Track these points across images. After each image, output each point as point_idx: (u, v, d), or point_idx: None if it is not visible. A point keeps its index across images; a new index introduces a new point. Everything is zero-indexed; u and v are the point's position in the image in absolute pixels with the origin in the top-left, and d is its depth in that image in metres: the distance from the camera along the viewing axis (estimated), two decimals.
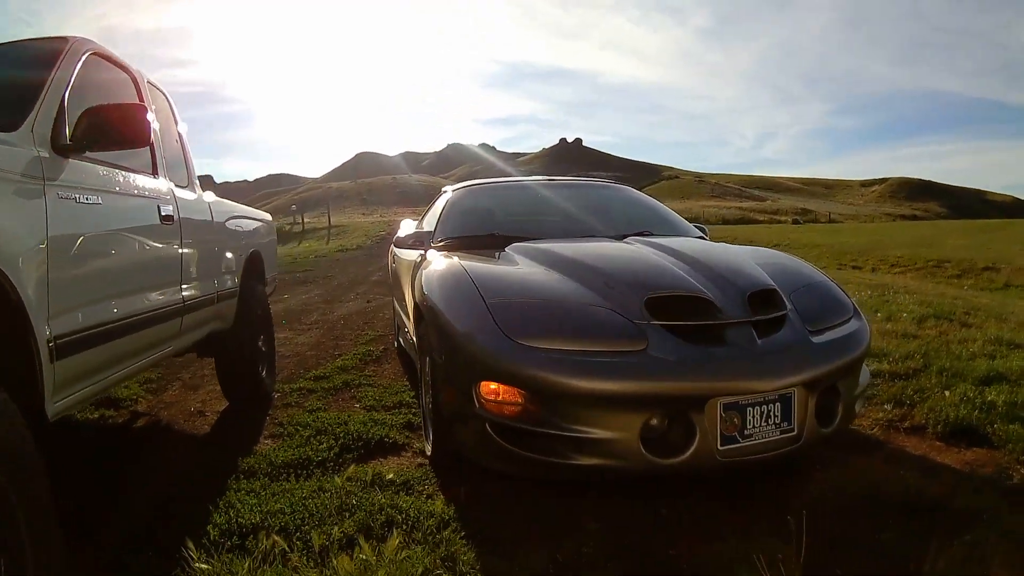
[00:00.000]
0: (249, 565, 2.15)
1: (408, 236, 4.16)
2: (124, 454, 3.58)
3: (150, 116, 2.42)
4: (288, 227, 32.61)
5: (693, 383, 2.41)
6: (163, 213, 2.99)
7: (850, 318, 2.98)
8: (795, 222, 40.51)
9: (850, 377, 2.79)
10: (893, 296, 7.41)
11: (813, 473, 2.89)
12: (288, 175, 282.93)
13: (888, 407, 3.65)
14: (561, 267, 3.03)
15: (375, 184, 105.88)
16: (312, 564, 2.19)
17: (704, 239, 4.08)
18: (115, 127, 2.32)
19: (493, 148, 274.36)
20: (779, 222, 40.56)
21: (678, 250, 3.20)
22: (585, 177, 5.45)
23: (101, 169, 2.52)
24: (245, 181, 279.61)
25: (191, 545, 2.20)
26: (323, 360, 5.63)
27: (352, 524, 2.50)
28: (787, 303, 2.82)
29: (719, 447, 2.41)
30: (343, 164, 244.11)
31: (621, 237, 3.70)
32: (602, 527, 2.48)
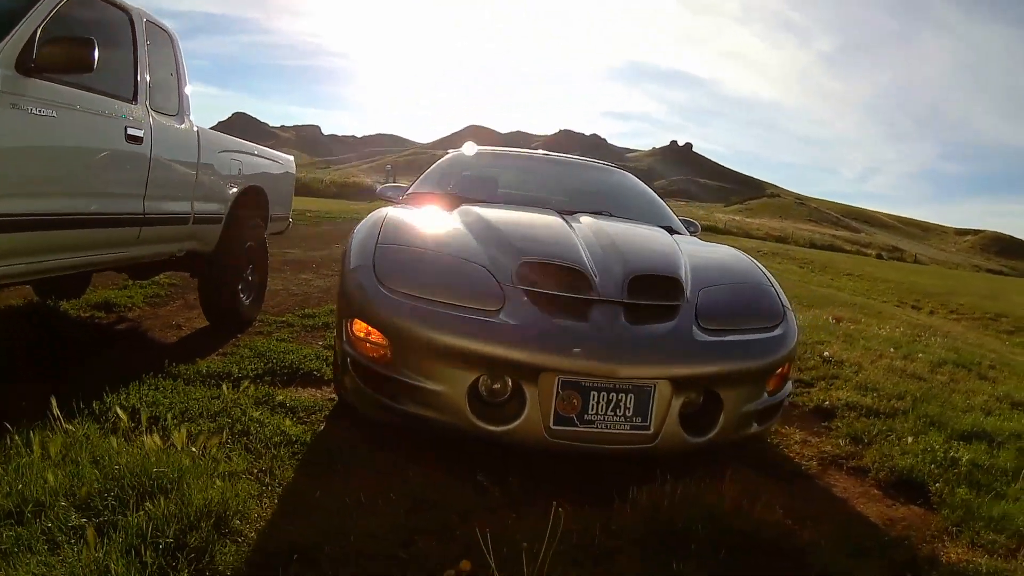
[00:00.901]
0: (98, 428, 2.49)
1: (386, 188, 4.36)
2: (89, 344, 4.05)
3: (95, 51, 2.79)
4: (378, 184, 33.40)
5: (529, 352, 2.30)
6: (129, 133, 3.38)
7: (774, 326, 2.74)
8: (879, 256, 38.86)
9: (741, 387, 2.54)
10: (927, 337, 7.11)
11: (683, 484, 2.49)
12: (396, 136, 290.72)
13: (843, 442, 3.48)
14: (477, 227, 3.00)
15: None
16: (142, 434, 2.42)
17: (678, 234, 3.90)
18: (64, 56, 2.76)
19: (604, 141, 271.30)
20: (864, 254, 38.82)
21: (604, 230, 3.09)
22: (595, 160, 5.40)
23: (63, 89, 2.92)
24: (353, 136, 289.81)
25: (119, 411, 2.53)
26: (324, 302, 5.94)
27: (209, 423, 2.78)
28: (687, 296, 2.66)
29: (551, 425, 2.31)
30: (453, 134, 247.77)
31: (571, 212, 3.55)
32: (425, 482, 2.45)
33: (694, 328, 2.53)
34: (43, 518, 1.88)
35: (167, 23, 3.90)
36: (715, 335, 2.54)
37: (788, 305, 2.97)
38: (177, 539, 1.85)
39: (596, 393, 2.30)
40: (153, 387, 3.17)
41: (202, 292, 4.53)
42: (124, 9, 3.50)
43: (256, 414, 2.95)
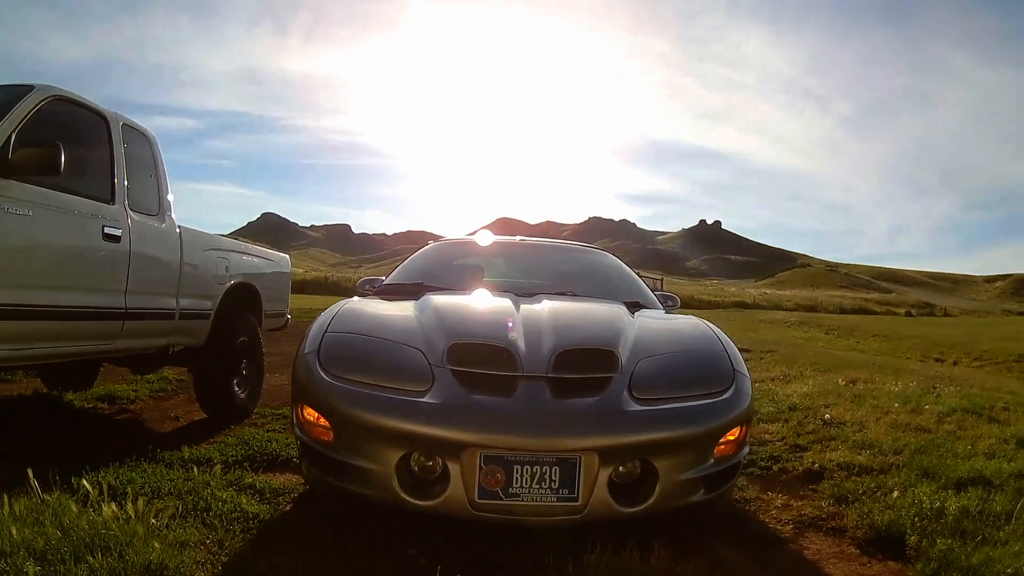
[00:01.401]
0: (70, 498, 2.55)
1: (364, 282, 4.49)
2: (86, 431, 4.23)
3: (62, 155, 3.04)
4: None
5: (450, 429, 2.35)
6: (107, 232, 3.59)
7: (721, 391, 2.69)
8: (908, 314, 38.48)
9: (680, 454, 2.51)
10: (941, 388, 6.89)
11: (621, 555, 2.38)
12: (427, 232, 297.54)
13: (825, 503, 3.33)
14: (425, 314, 3.07)
15: None
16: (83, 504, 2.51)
17: (646, 308, 3.88)
18: (34, 159, 3.03)
19: (634, 225, 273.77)
20: (894, 314, 38.20)
21: (551, 310, 3.13)
22: (574, 243, 5.47)
23: (38, 190, 3.15)
24: (384, 234, 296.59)
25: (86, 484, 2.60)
26: None
27: (175, 500, 2.85)
28: (622, 367, 2.64)
29: (476, 498, 2.33)
30: (482, 227, 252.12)
31: (532, 295, 3.56)
32: (361, 557, 2.46)
33: (624, 398, 2.51)
34: (3, 563, 2.05)
35: (145, 127, 4.18)
36: (649, 404, 2.52)
37: (742, 370, 2.91)
38: None
39: (520, 467, 2.32)
40: (131, 468, 3.25)
41: (196, 385, 4.66)
42: (100, 114, 3.76)
43: (223, 494, 2.99)
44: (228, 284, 4.77)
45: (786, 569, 2.65)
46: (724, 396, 2.67)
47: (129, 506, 2.43)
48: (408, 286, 3.96)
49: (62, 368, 4.97)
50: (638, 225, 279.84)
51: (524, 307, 3.14)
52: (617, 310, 3.38)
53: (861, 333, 18.34)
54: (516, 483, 2.31)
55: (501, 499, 2.32)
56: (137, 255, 3.80)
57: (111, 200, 3.71)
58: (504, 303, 3.24)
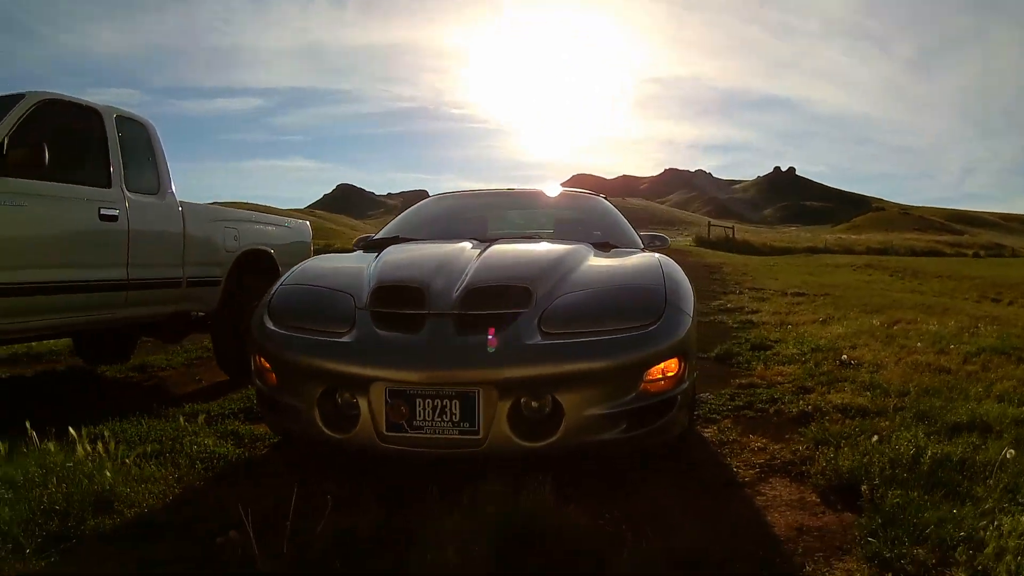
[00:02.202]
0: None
1: (359, 239, 4.57)
2: (108, 394, 4.55)
3: (45, 153, 3.39)
4: None
5: (358, 366, 2.46)
6: (103, 213, 3.89)
7: (643, 325, 2.58)
8: (976, 255, 36.42)
9: (588, 389, 2.45)
10: (981, 328, 6.54)
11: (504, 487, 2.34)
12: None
13: (803, 447, 3.17)
14: (375, 262, 3.18)
15: None
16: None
17: (618, 248, 3.81)
18: (23, 158, 3.38)
19: (709, 175, 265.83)
20: (963, 255, 36.02)
21: (493, 251, 3.19)
22: (567, 189, 5.36)
23: (32, 183, 3.48)
24: None
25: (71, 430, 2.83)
26: None
27: (155, 445, 3.10)
28: (535, 303, 2.64)
29: (384, 431, 2.42)
30: (561, 184, 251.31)
31: (493, 240, 3.61)
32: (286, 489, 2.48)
33: (528, 332, 2.50)
34: None
35: (141, 116, 4.45)
36: (556, 338, 2.49)
37: (680, 305, 2.80)
38: (65, 508, 2.33)
39: (422, 400, 2.37)
40: (129, 421, 3.49)
41: (215, 347, 4.97)
42: (93, 109, 4.06)
43: (201, 439, 3.21)
44: (238, 252, 5.00)
45: (724, 516, 2.53)
46: (647, 330, 2.57)
47: (99, 446, 2.73)
48: (388, 240, 4.05)
49: (97, 343, 5.36)
50: (713, 175, 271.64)
51: (469, 252, 3.17)
52: (570, 249, 3.32)
53: (924, 274, 17.39)
54: (419, 417, 2.37)
55: (406, 432, 2.39)
56: (136, 231, 4.08)
57: (108, 184, 4.00)
58: (449, 249, 3.26)
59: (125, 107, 4.16)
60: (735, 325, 7.36)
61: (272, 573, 1.92)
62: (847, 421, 3.48)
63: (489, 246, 3.34)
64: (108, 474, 2.51)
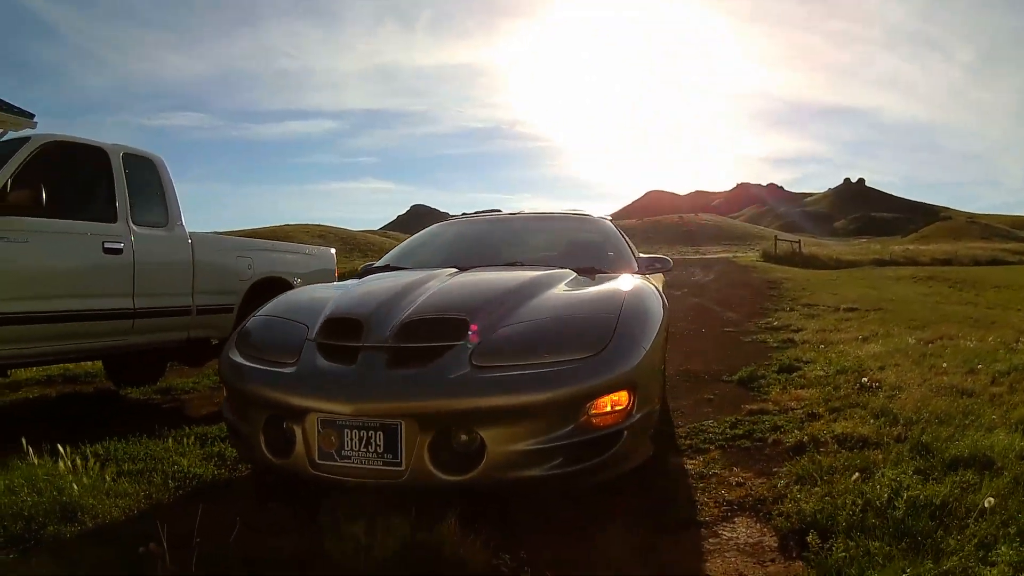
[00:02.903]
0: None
1: (365, 266, 4.59)
2: (131, 412, 4.73)
3: (42, 194, 3.59)
4: None
5: (293, 396, 2.52)
6: (107, 246, 4.06)
7: (584, 358, 2.47)
8: None
9: (515, 423, 2.36)
10: (1020, 344, 6.10)
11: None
12: (580, 211, 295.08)
13: (782, 483, 2.94)
14: (341, 292, 3.24)
15: (661, 223, 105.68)
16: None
17: (603, 274, 3.67)
18: (26, 199, 3.58)
19: (781, 188, 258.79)
20: None
21: (453, 282, 3.17)
22: (569, 212, 5.20)
23: (35, 220, 3.68)
24: None
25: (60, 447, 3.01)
26: None
27: (140, 464, 3.27)
28: (471, 335, 2.58)
29: (317, 459, 2.44)
30: (633, 202, 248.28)
31: (465, 269, 3.58)
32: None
33: (456, 366, 2.45)
34: None
35: (150, 152, 4.63)
36: (486, 371, 2.42)
37: (632, 336, 2.67)
38: (31, 515, 2.54)
39: (349, 431, 2.39)
40: (127, 441, 3.61)
41: None
42: (99, 148, 4.25)
43: (181, 460, 3.32)
44: (252, 280, 5.12)
45: (659, 561, 2.37)
46: (586, 362, 2.46)
47: (78, 462, 2.94)
48: (379, 268, 4.10)
49: (126, 366, 5.54)
50: (784, 188, 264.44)
51: (431, 282, 3.15)
52: (535, 278, 3.22)
53: (982, 285, 16.29)
54: (347, 447, 2.39)
55: (336, 461, 2.41)
56: (142, 263, 4.23)
57: (113, 219, 4.17)
58: (414, 279, 3.24)
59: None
60: (775, 344, 7.14)
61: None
62: (840, 453, 3.22)
63: (456, 275, 3.31)
64: (76, 488, 2.68)
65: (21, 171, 3.66)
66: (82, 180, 4.12)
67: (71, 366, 6.09)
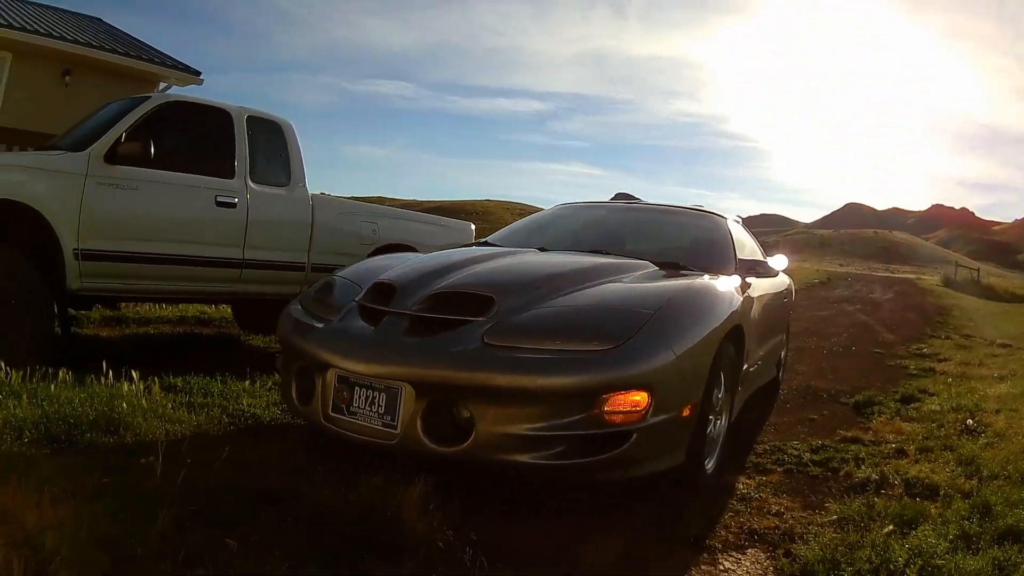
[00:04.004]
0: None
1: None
2: (240, 355, 5.09)
3: (151, 147, 3.89)
4: None
5: (318, 349, 2.60)
6: (219, 200, 4.35)
7: (597, 350, 2.34)
8: None
9: (509, 405, 2.28)
10: None
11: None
12: (781, 216, 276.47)
13: (822, 519, 2.66)
14: (414, 260, 3.29)
15: (857, 237, 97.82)
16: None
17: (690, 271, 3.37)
18: (135, 151, 3.89)
19: (972, 214, 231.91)
20: None
21: (510, 261, 3.15)
22: (680, 207, 4.74)
23: (146, 171, 4.01)
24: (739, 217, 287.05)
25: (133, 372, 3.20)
26: None
27: (202, 398, 3.46)
28: (494, 313, 2.51)
29: (330, 412, 2.50)
30: (833, 212, 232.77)
31: (545, 251, 3.55)
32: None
33: (465, 340, 2.40)
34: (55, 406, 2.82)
35: (278, 117, 4.88)
36: (495, 350, 2.35)
37: (662, 334, 2.46)
38: (76, 424, 2.68)
39: (359, 389, 2.43)
40: (205, 377, 3.81)
41: None
42: (223, 110, 4.56)
43: (247, 401, 3.48)
44: (376, 245, 5.17)
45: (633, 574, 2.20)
46: (602, 354, 2.33)
47: (139, 387, 3.11)
48: (476, 244, 4.20)
49: (253, 314, 5.83)
50: (976, 214, 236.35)
51: (489, 260, 3.12)
52: (594, 266, 3.10)
53: None
54: (355, 404, 2.43)
55: (344, 416, 2.47)
56: (256, 218, 4.49)
57: (231, 175, 4.45)
58: (472, 254, 3.25)
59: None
60: (914, 371, 6.56)
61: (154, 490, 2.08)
62: (900, 499, 2.79)
63: (525, 255, 3.30)
64: (124, 406, 2.85)
65: (137, 127, 3.96)
66: (201, 138, 4.41)
67: (208, 309, 6.59)
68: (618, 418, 2.30)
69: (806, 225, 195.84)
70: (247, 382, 3.81)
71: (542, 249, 3.57)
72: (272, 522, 2.06)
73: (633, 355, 2.34)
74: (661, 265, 3.28)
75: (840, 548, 2.29)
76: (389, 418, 2.35)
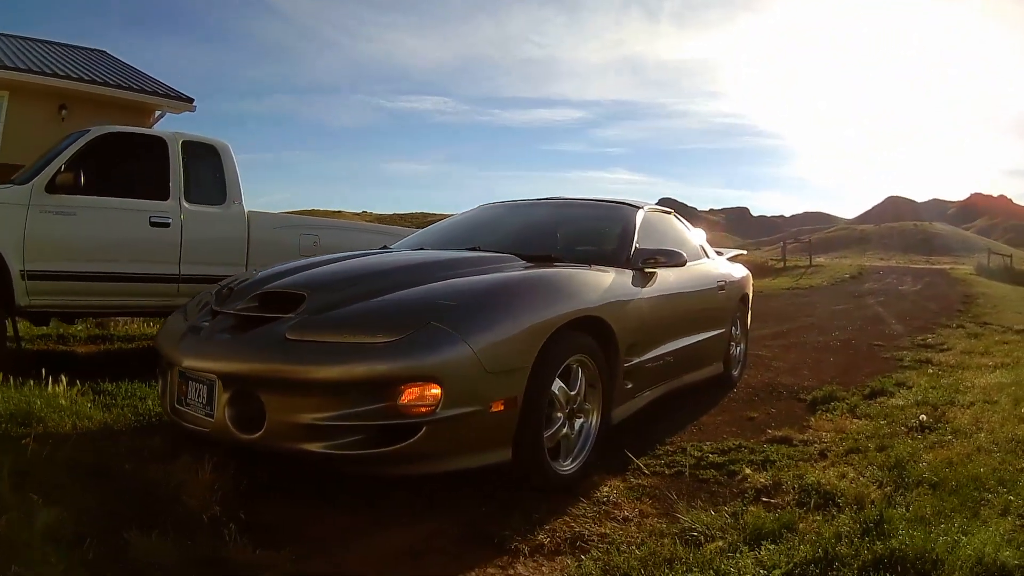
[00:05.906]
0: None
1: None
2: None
3: (81, 176, 4.05)
4: (771, 263, 30.78)
5: (165, 348, 2.74)
6: (153, 220, 4.38)
7: (384, 341, 2.23)
8: None
9: (295, 394, 2.24)
10: None
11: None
12: (822, 213, 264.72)
13: (657, 522, 2.37)
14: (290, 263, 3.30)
15: (897, 229, 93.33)
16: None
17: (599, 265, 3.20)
18: (68, 181, 4.04)
19: (1010, 201, 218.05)
20: None
21: (357, 261, 3.13)
22: (601, 200, 4.37)
23: (83, 198, 4.14)
24: (781, 216, 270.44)
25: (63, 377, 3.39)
26: None
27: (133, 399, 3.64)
28: (304, 310, 2.48)
29: (176, 404, 2.59)
30: (873, 207, 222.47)
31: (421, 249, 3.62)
32: None
33: (266, 336, 2.40)
34: None
35: (215, 140, 4.90)
36: (293, 344, 2.33)
37: (457, 327, 2.31)
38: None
39: (191, 383, 2.50)
40: (145, 385, 3.84)
41: None
42: (159, 136, 4.65)
43: (156, 404, 3.49)
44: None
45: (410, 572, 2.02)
46: (383, 346, 2.24)
47: (62, 389, 3.31)
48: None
49: None
50: (1014, 201, 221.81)
51: (342, 261, 3.11)
52: (446, 260, 3.07)
53: None
54: (189, 396, 2.51)
55: (183, 407, 2.53)
56: (190, 235, 4.51)
57: (166, 196, 4.49)
58: (334, 256, 3.25)
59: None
60: (908, 363, 5.88)
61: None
62: (777, 510, 2.41)
63: (371, 255, 3.31)
64: (39, 403, 3.10)
65: (74, 158, 4.10)
66: (137, 164, 4.50)
67: None
68: (409, 411, 2.21)
69: (847, 221, 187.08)
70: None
71: (420, 248, 3.59)
72: (91, 491, 2.21)
73: (416, 347, 2.22)
74: (529, 258, 3.07)
75: (651, 563, 1.96)
76: (209, 408, 2.41)
